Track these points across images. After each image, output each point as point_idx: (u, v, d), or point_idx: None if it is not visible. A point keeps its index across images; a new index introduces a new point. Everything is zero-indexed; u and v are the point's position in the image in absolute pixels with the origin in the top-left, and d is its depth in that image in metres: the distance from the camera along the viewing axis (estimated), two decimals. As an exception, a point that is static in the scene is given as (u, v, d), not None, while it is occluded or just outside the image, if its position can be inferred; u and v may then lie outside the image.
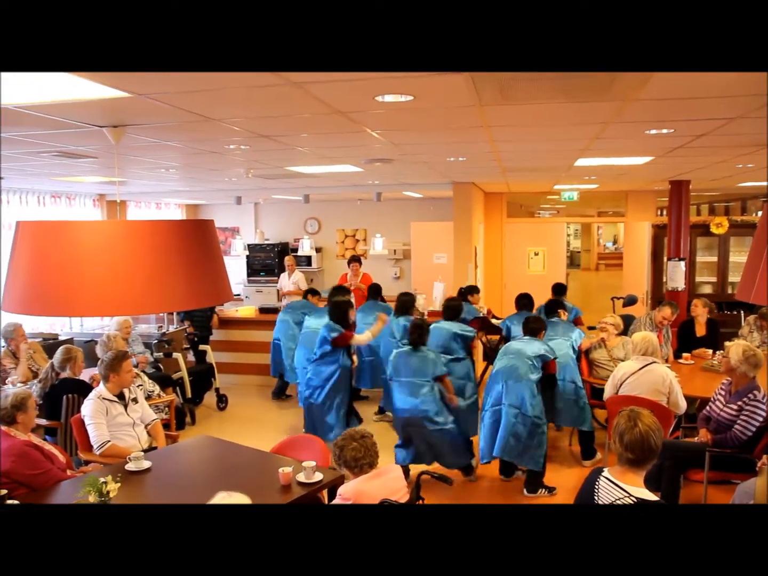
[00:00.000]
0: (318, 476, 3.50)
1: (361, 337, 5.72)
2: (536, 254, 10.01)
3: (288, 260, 9.05)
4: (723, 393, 4.48)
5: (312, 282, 10.79)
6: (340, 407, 5.54)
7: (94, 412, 4.13)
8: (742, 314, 8.07)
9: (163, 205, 11.01)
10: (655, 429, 2.50)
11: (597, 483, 2.58)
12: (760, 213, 10.68)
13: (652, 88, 2.81)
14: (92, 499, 3.03)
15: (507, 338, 6.25)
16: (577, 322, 6.72)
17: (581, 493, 2.69)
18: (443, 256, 9.43)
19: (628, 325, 6.49)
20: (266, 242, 11.37)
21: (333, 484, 3.48)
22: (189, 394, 6.93)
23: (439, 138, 4.37)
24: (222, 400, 7.42)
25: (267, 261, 11.29)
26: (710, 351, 6.19)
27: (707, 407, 4.61)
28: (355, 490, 3.03)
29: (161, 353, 6.69)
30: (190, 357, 7.52)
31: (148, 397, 5.10)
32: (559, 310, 6.20)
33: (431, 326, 5.42)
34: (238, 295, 10.49)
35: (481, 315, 6.96)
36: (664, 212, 10.00)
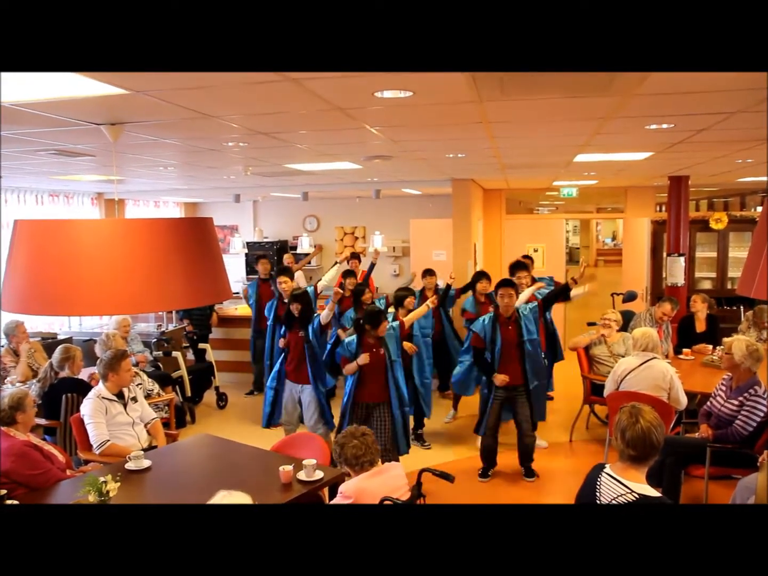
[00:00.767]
0: (318, 474, 3.49)
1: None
2: (535, 251, 9.99)
3: (287, 258, 9.04)
4: (724, 389, 4.48)
5: (311, 280, 10.78)
6: None
7: (93, 412, 4.12)
8: (742, 309, 8.07)
9: (161, 203, 10.99)
10: (656, 425, 2.50)
11: (599, 479, 2.57)
12: (759, 208, 10.69)
13: (651, 84, 2.80)
14: (92, 498, 3.02)
15: None
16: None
17: (583, 490, 2.68)
18: (442, 253, 9.40)
19: (627, 321, 6.49)
20: (265, 240, 11.35)
21: (334, 482, 3.48)
22: (188, 393, 6.93)
23: (438, 134, 4.35)
24: (222, 399, 7.41)
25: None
26: (710, 346, 6.20)
27: (708, 403, 4.61)
28: (356, 488, 3.02)
29: (160, 352, 6.68)
30: (190, 355, 7.51)
31: (148, 396, 5.09)
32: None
33: None
34: (237, 293, 10.47)
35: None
36: (663, 208, 10.00)
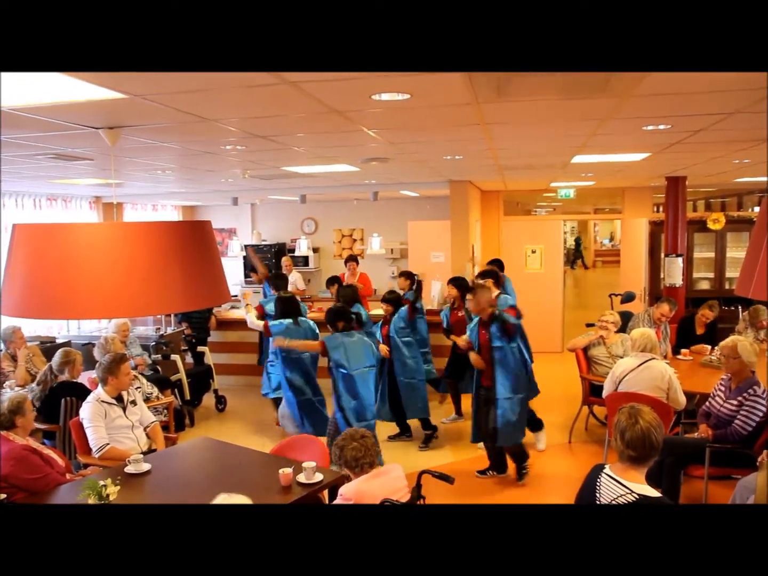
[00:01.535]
0: (318, 477, 3.49)
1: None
2: (533, 252, 10.00)
3: (285, 261, 9.03)
4: (723, 388, 4.49)
5: (309, 282, 10.78)
6: None
7: (92, 415, 4.12)
8: (740, 310, 8.08)
9: (159, 206, 10.99)
10: (656, 425, 2.50)
11: (598, 480, 2.57)
12: (756, 208, 10.70)
13: (649, 85, 2.80)
14: (92, 502, 3.02)
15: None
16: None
17: (582, 491, 2.68)
18: (441, 255, 9.43)
19: (626, 321, 6.50)
20: (263, 243, 11.35)
21: (333, 484, 3.48)
22: (187, 396, 6.92)
23: (435, 136, 4.36)
24: (221, 402, 7.40)
25: (264, 261, 11.25)
26: (708, 347, 6.20)
27: (707, 403, 4.61)
28: (355, 490, 3.02)
29: (159, 355, 6.68)
30: (189, 359, 7.50)
31: (147, 400, 5.08)
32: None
33: None
34: (236, 296, 10.46)
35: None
36: (661, 209, 10.01)
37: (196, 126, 3.58)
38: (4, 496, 3.25)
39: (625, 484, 2.48)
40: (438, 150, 5.13)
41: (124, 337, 6.16)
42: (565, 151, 5.29)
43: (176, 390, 6.67)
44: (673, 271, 8.02)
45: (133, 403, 4.41)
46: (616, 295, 9.11)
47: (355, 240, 11.57)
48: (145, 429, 4.43)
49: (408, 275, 6.91)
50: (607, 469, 2.59)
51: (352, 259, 8.56)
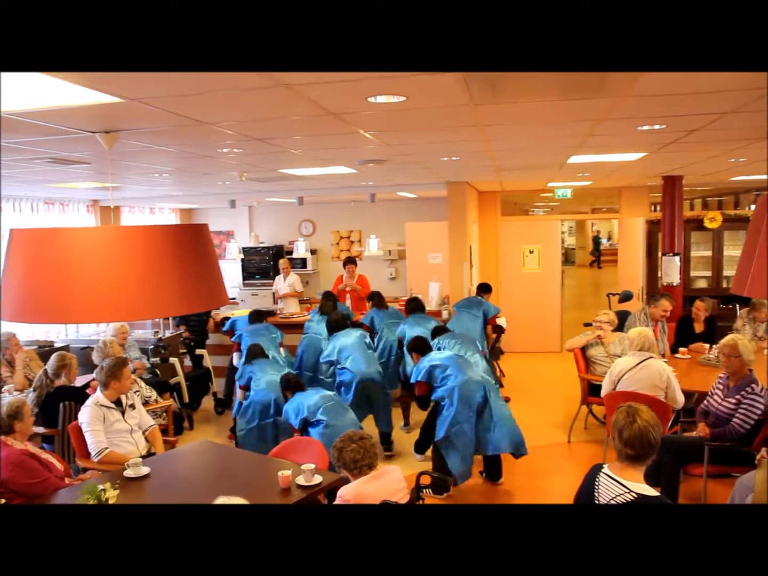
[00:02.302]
0: (317, 479, 3.49)
1: None
2: (531, 252, 10.01)
3: (283, 263, 9.03)
4: (721, 387, 4.50)
5: (307, 284, 10.78)
6: None
7: (91, 419, 4.12)
8: (738, 308, 8.09)
9: (157, 210, 10.98)
10: (653, 424, 2.50)
11: (597, 479, 2.58)
12: (753, 207, 10.72)
13: (643, 85, 2.81)
14: (91, 506, 3.02)
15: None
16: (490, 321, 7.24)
17: (581, 490, 2.69)
18: (438, 256, 9.43)
19: (623, 321, 6.50)
20: (261, 245, 11.36)
21: (332, 486, 3.48)
22: (186, 399, 6.91)
23: (432, 138, 4.37)
24: (220, 404, 7.39)
25: (262, 264, 11.27)
26: (707, 345, 6.20)
27: (705, 401, 4.62)
28: (355, 492, 3.02)
29: (158, 358, 6.67)
30: (187, 362, 7.49)
31: (146, 403, 5.08)
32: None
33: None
34: (234, 298, 10.46)
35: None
36: (658, 208, 10.03)
37: (192, 129, 3.59)
38: (3, 501, 3.25)
39: (623, 483, 2.48)
40: (435, 151, 5.13)
41: (123, 341, 6.16)
42: (561, 151, 5.30)
43: (175, 393, 6.67)
44: (671, 270, 8.03)
45: (132, 406, 4.41)
46: (614, 295, 9.12)
47: (352, 242, 11.58)
48: (144, 432, 4.43)
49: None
50: (605, 469, 2.60)
51: (351, 261, 8.56)
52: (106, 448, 4.08)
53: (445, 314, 7.83)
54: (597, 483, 2.57)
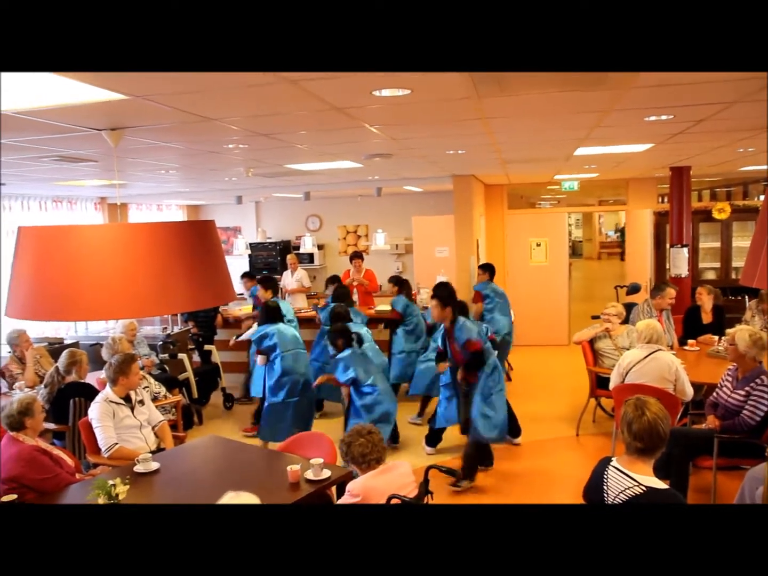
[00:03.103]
0: (326, 473, 3.50)
1: None
2: (538, 245, 9.98)
3: (290, 258, 9.04)
4: (730, 379, 4.47)
5: (314, 279, 10.79)
6: None
7: (101, 415, 4.14)
8: (747, 299, 8.05)
9: (164, 206, 11.02)
10: (662, 417, 2.50)
11: (606, 472, 2.57)
12: (762, 197, 10.64)
13: (649, 76, 2.79)
14: (101, 501, 3.04)
15: None
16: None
17: (590, 484, 2.69)
18: (445, 250, 9.41)
19: (629, 313, 6.47)
20: (268, 241, 11.36)
21: (341, 480, 3.49)
22: (195, 395, 6.95)
23: (437, 131, 4.35)
24: (228, 400, 7.43)
25: (269, 259, 11.29)
26: (716, 337, 6.16)
27: (714, 394, 4.60)
28: (363, 486, 3.03)
29: (166, 354, 6.70)
30: (196, 357, 7.53)
31: (155, 399, 5.11)
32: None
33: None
34: (241, 294, 10.50)
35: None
36: (666, 199, 9.97)
37: (198, 126, 3.59)
38: (14, 496, 3.28)
39: (632, 476, 2.48)
40: (440, 145, 5.12)
41: (132, 338, 6.20)
42: (567, 143, 5.28)
43: (184, 389, 6.70)
44: (679, 262, 7.99)
45: (141, 402, 4.43)
46: (622, 287, 9.09)
47: (359, 236, 11.57)
48: (153, 428, 4.45)
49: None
50: (614, 462, 2.59)
51: (358, 255, 8.56)
52: (116, 443, 4.11)
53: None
54: (606, 476, 2.57)
